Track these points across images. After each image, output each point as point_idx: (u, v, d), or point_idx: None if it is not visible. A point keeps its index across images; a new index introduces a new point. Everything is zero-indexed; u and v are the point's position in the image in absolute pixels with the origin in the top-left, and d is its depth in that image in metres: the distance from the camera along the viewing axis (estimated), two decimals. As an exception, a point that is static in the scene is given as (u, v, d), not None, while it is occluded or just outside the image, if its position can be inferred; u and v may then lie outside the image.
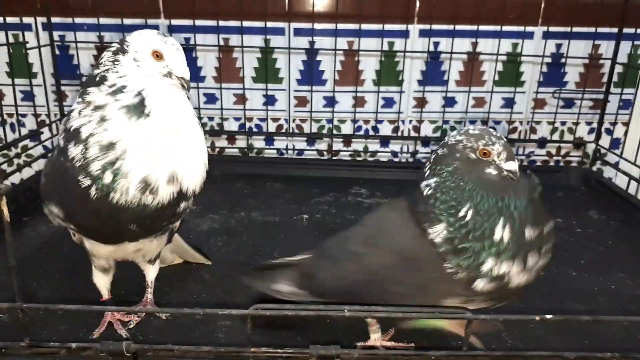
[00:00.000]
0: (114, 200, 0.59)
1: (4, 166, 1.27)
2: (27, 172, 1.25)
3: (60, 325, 0.72)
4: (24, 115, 1.32)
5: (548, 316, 0.54)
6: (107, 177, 0.58)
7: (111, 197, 0.59)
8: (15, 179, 1.21)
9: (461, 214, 0.58)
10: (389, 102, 1.33)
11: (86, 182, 0.59)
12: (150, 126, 0.60)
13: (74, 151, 0.59)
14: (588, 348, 0.69)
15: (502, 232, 0.57)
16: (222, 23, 1.25)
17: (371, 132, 1.36)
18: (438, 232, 0.58)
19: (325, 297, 0.65)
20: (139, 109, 0.60)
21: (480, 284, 0.57)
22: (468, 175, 0.60)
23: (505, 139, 0.61)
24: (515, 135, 1.36)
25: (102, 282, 0.73)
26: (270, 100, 1.33)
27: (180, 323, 0.73)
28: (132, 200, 0.59)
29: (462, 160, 0.60)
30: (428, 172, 0.62)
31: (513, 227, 0.57)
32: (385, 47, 1.28)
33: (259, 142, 1.38)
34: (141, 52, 0.62)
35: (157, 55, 0.62)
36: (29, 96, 1.25)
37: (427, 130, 1.36)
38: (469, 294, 0.58)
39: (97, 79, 0.61)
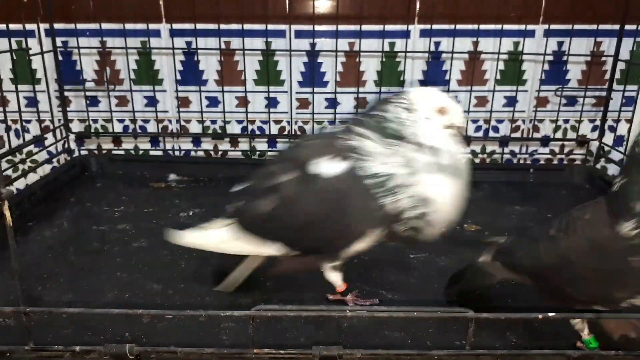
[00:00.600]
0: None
1: (9, 172, 1.28)
2: (31, 178, 1.26)
3: (65, 329, 0.72)
4: (28, 121, 1.33)
5: (550, 314, 0.54)
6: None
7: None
8: (20, 184, 1.22)
9: None
10: (390, 103, 1.33)
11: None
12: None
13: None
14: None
15: None
16: (223, 26, 1.25)
17: (373, 133, 1.35)
18: (629, 225, 0.58)
19: (519, 273, 0.70)
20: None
21: None
22: None
23: None
24: (517, 134, 1.36)
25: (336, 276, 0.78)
26: (272, 102, 1.33)
27: (184, 325, 0.73)
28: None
29: None
30: (623, 169, 0.63)
31: None
32: (387, 48, 1.28)
33: (261, 145, 1.38)
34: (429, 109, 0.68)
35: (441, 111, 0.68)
36: (32, 102, 1.26)
37: (429, 130, 1.35)
38: None
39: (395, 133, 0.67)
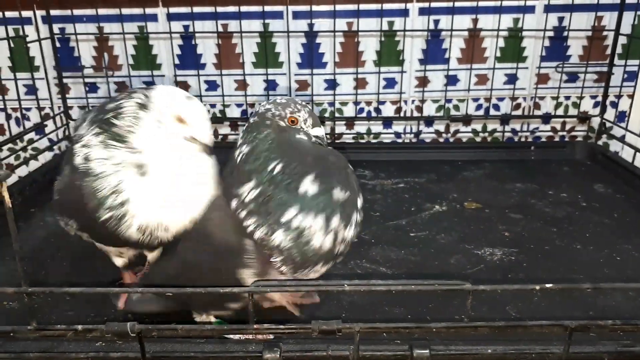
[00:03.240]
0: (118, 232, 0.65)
1: (11, 159, 1.29)
2: (33, 165, 1.27)
3: (69, 311, 0.74)
4: (28, 109, 1.33)
5: (548, 285, 0.54)
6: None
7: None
8: (22, 171, 1.23)
9: (269, 168, 0.61)
10: (390, 83, 1.33)
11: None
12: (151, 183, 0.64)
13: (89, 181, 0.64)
14: (591, 318, 0.69)
15: (307, 187, 0.60)
16: (220, 9, 1.24)
17: (373, 114, 1.35)
18: (247, 190, 0.61)
19: None
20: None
21: (278, 238, 0.58)
22: (279, 139, 0.63)
23: (310, 107, 0.66)
24: (519, 112, 1.35)
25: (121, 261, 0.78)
26: (271, 85, 1.32)
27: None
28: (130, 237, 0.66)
29: (274, 127, 0.64)
30: (241, 140, 0.65)
31: (321, 185, 0.60)
32: (385, 27, 1.27)
33: (261, 128, 1.38)
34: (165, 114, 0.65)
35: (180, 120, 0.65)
36: (32, 90, 1.26)
37: (430, 109, 1.35)
38: (266, 252, 0.59)
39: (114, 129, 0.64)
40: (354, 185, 0.64)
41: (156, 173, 0.64)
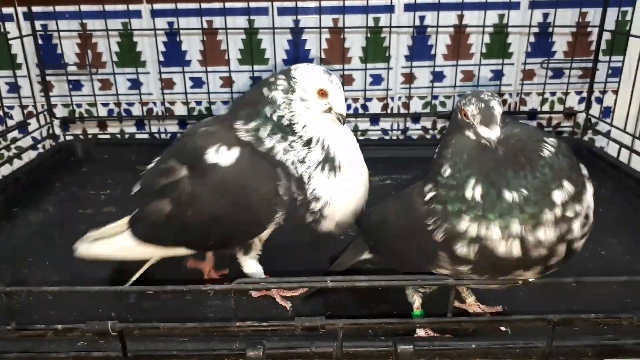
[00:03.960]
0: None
1: (-6, 158, 1.27)
2: (17, 164, 1.25)
3: (51, 311, 0.73)
4: (11, 107, 1.31)
5: (531, 279, 0.54)
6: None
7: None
8: (5, 170, 1.21)
9: (442, 170, 0.57)
10: (377, 79, 1.32)
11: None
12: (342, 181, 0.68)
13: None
14: (576, 313, 0.69)
15: (472, 191, 0.54)
16: (204, 5, 1.23)
17: (360, 111, 1.35)
18: (427, 189, 0.58)
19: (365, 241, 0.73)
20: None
21: (459, 247, 0.54)
22: (454, 136, 0.58)
23: (492, 102, 0.56)
24: (505, 108, 1.35)
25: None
26: (256, 82, 1.32)
27: (170, 304, 0.73)
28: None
29: (454, 120, 0.60)
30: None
31: (486, 187, 0.54)
32: (371, 23, 1.26)
33: (248, 125, 1.37)
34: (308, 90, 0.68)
35: (322, 94, 0.68)
36: (14, 88, 1.24)
37: (416, 106, 1.35)
38: (452, 260, 0.56)
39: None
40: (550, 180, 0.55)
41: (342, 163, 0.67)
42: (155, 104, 1.34)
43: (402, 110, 1.35)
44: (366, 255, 0.73)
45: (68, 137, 1.36)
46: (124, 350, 0.54)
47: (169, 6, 1.23)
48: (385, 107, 1.35)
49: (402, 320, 0.52)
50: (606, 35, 1.26)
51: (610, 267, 0.84)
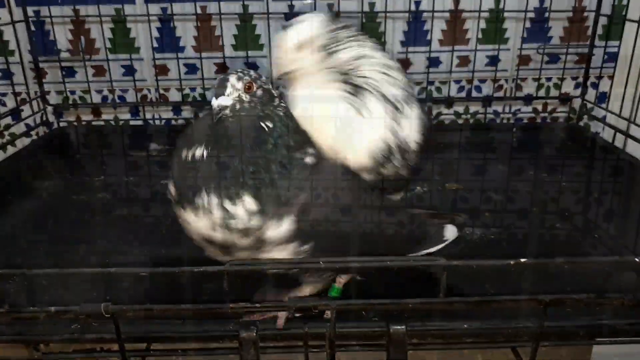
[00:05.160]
0: None
1: (-13, 145, 1.26)
2: (10, 150, 1.24)
3: (46, 296, 0.72)
4: (4, 94, 1.30)
5: (522, 260, 0.54)
6: None
7: None
8: (-2, 157, 1.21)
9: None
10: (372, 65, 1.31)
11: None
12: None
13: None
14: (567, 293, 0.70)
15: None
16: (198, -9, 1.22)
17: (356, 97, 1.34)
18: None
19: None
20: None
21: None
22: None
23: (235, 75, 0.62)
24: (501, 93, 1.35)
25: None
26: (252, 67, 1.31)
27: (165, 288, 0.73)
28: None
29: None
30: None
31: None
32: (366, 9, 1.26)
33: (243, 112, 1.36)
34: None
35: None
36: (6, 74, 1.24)
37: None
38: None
39: None
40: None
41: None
42: (149, 90, 1.33)
43: (398, 96, 1.34)
44: None
45: (62, 124, 1.35)
46: (118, 332, 0.54)
47: (163, -9, 1.23)
48: (380, 93, 1.34)
49: (395, 300, 0.52)
50: (602, 20, 1.26)
51: (604, 250, 0.84)
